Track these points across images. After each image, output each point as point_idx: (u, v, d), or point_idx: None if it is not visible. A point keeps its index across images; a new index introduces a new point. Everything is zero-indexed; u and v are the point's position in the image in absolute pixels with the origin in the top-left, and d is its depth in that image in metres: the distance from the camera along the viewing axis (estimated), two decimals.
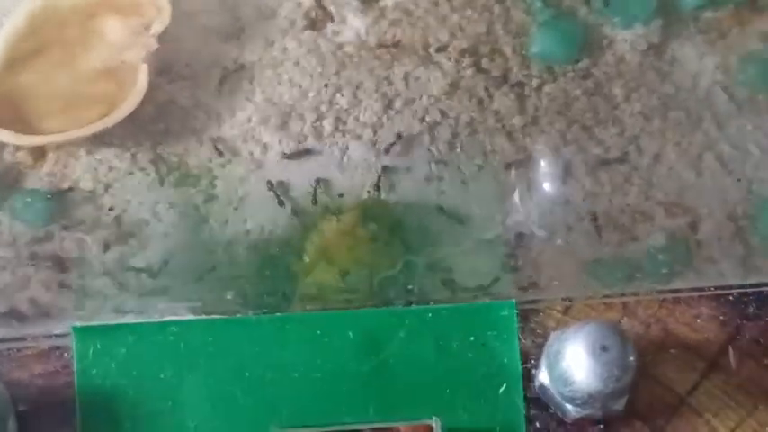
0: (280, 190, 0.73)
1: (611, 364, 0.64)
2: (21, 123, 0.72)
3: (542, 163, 0.72)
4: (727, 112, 0.77)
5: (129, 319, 0.68)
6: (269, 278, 0.71)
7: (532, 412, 0.68)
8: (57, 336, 0.67)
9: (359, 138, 0.75)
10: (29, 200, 0.71)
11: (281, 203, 0.72)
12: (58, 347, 0.67)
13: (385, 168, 0.74)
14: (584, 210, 0.73)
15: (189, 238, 0.72)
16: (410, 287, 0.70)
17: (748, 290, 0.71)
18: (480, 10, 0.79)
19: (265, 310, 0.69)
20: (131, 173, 0.73)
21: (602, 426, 0.68)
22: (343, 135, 0.75)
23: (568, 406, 0.66)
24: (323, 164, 0.74)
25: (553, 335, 0.68)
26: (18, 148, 0.73)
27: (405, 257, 0.72)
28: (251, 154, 0.74)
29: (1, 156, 0.73)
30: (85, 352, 0.66)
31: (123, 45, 0.74)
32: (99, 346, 0.66)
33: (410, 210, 0.73)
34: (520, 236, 0.73)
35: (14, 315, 0.69)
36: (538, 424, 0.68)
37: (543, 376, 0.67)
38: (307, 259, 0.72)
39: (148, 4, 0.74)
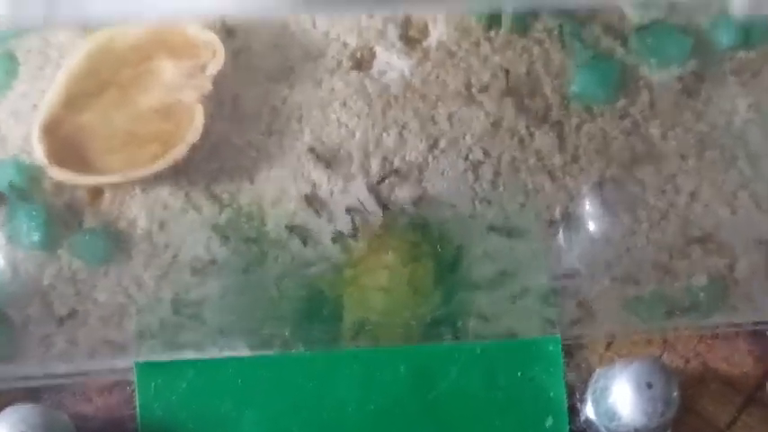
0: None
1: (656, 400, 0.66)
2: (81, 162, 0.74)
3: (586, 202, 0.74)
4: (760, 151, 0.79)
5: (189, 355, 0.70)
6: (319, 314, 0.73)
7: None
8: (119, 370, 0.69)
9: (405, 178, 0.77)
10: (87, 238, 0.73)
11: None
12: (118, 382, 0.69)
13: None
14: (622, 248, 0.76)
15: (242, 275, 0.74)
16: (458, 324, 0.73)
17: None
18: (521, 51, 0.81)
19: (318, 347, 0.71)
20: (185, 211, 0.75)
21: None
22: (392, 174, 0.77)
23: None
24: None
25: (599, 371, 0.70)
26: (76, 186, 0.75)
27: (449, 294, 0.74)
28: (299, 192, 0.77)
29: (60, 194, 0.75)
30: (148, 387, 0.68)
31: (178, 86, 0.76)
32: (160, 381, 0.69)
33: (454, 247, 0.76)
34: (564, 273, 0.75)
35: (75, 349, 0.71)
36: None
37: (589, 411, 0.69)
38: (351, 296, 0.74)
39: (204, 46, 0.77)
